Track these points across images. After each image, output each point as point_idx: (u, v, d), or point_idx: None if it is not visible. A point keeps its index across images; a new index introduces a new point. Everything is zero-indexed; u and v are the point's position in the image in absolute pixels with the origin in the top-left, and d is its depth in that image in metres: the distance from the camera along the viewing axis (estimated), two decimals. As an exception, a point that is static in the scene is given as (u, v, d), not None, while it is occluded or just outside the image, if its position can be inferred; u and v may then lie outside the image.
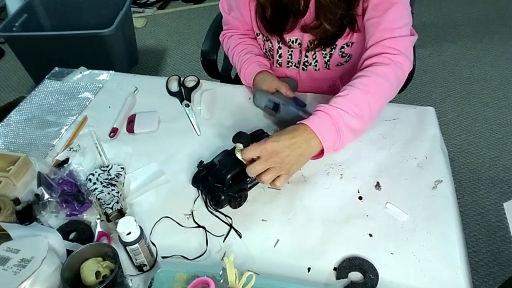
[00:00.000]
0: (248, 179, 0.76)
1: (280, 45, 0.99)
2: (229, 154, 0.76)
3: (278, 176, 0.72)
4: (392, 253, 0.69)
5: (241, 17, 1.00)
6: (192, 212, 0.77)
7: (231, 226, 0.74)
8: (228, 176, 0.73)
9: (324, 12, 0.85)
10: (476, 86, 2.27)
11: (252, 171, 0.70)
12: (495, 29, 2.69)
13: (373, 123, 0.85)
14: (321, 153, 0.78)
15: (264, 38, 1.00)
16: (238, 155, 0.73)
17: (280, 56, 1.02)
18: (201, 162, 0.79)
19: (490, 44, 2.56)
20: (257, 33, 1.01)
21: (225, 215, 0.76)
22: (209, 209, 0.77)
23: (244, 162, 0.73)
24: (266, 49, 1.04)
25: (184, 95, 1.03)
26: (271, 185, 0.73)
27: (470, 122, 2.05)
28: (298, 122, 0.76)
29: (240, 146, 0.74)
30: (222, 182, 0.73)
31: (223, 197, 0.72)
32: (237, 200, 0.75)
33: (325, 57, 0.98)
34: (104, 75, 1.13)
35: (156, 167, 0.86)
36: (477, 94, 2.21)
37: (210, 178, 0.75)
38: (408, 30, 0.85)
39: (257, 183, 0.78)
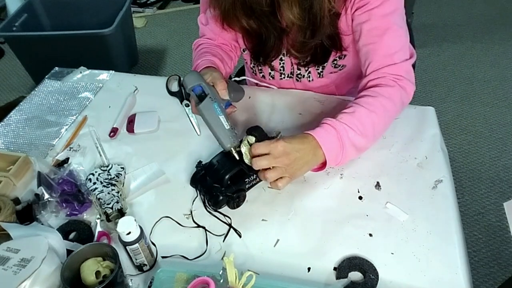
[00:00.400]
0: (247, 180, 0.75)
1: (272, 67, 0.98)
2: (228, 155, 0.76)
3: (281, 177, 0.72)
4: (392, 253, 0.69)
5: (219, 32, 0.95)
6: (191, 212, 0.77)
7: (230, 225, 0.74)
8: (227, 177, 0.73)
9: (290, 41, 0.86)
10: (476, 86, 2.26)
11: (258, 163, 0.70)
12: (495, 29, 2.69)
13: (376, 141, 0.84)
14: (322, 165, 0.78)
15: None
16: (243, 148, 0.73)
17: (272, 69, 1.00)
18: (200, 162, 0.79)
19: (490, 44, 2.56)
20: (243, 49, 0.98)
21: (224, 215, 0.76)
22: (208, 209, 0.77)
23: (245, 158, 0.73)
24: (254, 64, 1.01)
25: (184, 95, 1.03)
26: (272, 184, 0.73)
27: (470, 122, 2.05)
28: (305, 132, 0.75)
29: (252, 139, 0.73)
30: (221, 182, 0.73)
31: (221, 198, 0.72)
32: (236, 200, 0.74)
33: (317, 69, 0.96)
34: (104, 75, 1.13)
35: (156, 167, 0.85)
36: (477, 94, 2.21)
37: (208, 178, 0.75)
38: (407, 51, 0.84)
39: (256, 183, 0.78)
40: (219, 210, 0.76)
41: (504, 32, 2.66)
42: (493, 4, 2.93)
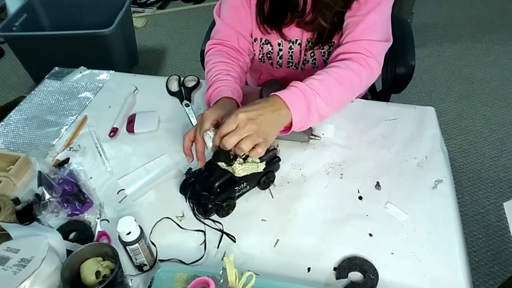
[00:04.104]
0: (237, 188, 0.74)
1: (281, 47, 0.99)
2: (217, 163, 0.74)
3: (257, 145, 0.70)
4: (392, 253, 0.69)
5: (236, 23, 0.95)
6: (184, 214, 0.76)
7: (222, 231, 0.73)
8: (216, 184, 0.71)
9: (320, 7, 0.86)
10: (476, 86, 2.27)
11: (228, 142, 0.67)
12: (495, 29, 2.70)
13: (336, 112, 0.87)
14: (287, 128, 0.78)
15: (263, 41, 0.99)
16: (209, 142, 0.72)
17: (280, 58, 1.02)
18: (190, 169, 0.78)
19: (491, 44, 2.56)
20: (254, 39, 0.99)
21: (214, 221, 0.75)
22: (197, 217, 0.76)
23: (211, 150, 0.72)
24: (264, 53, 1.02)
25: (184, 95, 1.03)
26: (252, 154, 0.70)
27: (470, 122, 2.05)
28: (271, 93, 0.75)
29: (211, 133, 0.72)
30: (210, 190, 0.71)
31: (210, 206, 0.71)
32: (225, 209, 0.73)
33: (323, 55, 0.98)
34: (104, 75, 1.13)
35: (168, 160, 0.86)
36: (477, 94, 2.21)
37: (197, 186, 0.74)
38: (385, 34, 0.87)
39: (246, 191, 0.77)
40: (210, 218, 0.75)
41: (504, 32, 2.66)
42: (493, 4, 2.93)
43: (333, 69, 0.83)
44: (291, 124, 0.76)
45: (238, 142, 0.68)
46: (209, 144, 0.73)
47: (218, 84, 0.86)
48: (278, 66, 1.04)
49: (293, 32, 0.94)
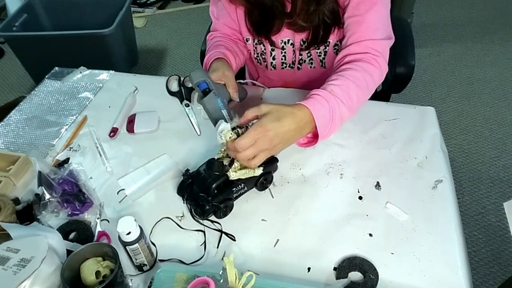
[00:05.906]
0: (234, 189, 0.74)
1: (273, 46, 0.99)
2: (215, 163, 0.74)
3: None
4: (392, 253, 0.69)
5: (230, 23, 0.98)
6: (183, 214, 0.76)
7: (221, 231, 0.73)
8: (213, 186, 0.71)
9: (295, 8, 0.86)
10: (476, 86, 2.27)
11: (243, 156, 0.68)
12: (495, 29, 2.69)
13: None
14: (310, 141, 0.80)
15: (256, 42, 1.00)
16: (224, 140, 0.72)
17: (274, 58, 1.01)
18: (187, 170, 0.78)
19: (490, 44, 2.56)
20: (246, 38, 1.00)
21: (212, 221, 0.75)
22: (196, 218, 0.75)
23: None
24: (258, 53, 1.03)
25: (184, 95, 1.03)
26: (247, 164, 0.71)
27: (470, 122, 2.05)
28: (298, 103, 0.74)
29: (232, 134, 0.72)
30: (207, 191, 0.71)
31: (207, 207, 0.71)
32: (222, 210, 0.73)
33: (319, 55, 0.98)
34: (104, 75, 1.13)
35: (169, 160, 0.86)
36: (477, 94, 2.21)
37: (195, 187, 0.74)
38: (386, 32, 0.87)
39: (244, 192, 0.77)
40: (208, 218, 0.75)
41: (504, 32, 2.66)
42: (493, 4, 2.93)
43: (348, 72, 0.82)
44: (312, 134, 0.78)
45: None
46: (220, 140, 0.73)
47: (211, 51, 0.91)
48: (272, 68, 1.04)
49: (283, 34, 0.94)
